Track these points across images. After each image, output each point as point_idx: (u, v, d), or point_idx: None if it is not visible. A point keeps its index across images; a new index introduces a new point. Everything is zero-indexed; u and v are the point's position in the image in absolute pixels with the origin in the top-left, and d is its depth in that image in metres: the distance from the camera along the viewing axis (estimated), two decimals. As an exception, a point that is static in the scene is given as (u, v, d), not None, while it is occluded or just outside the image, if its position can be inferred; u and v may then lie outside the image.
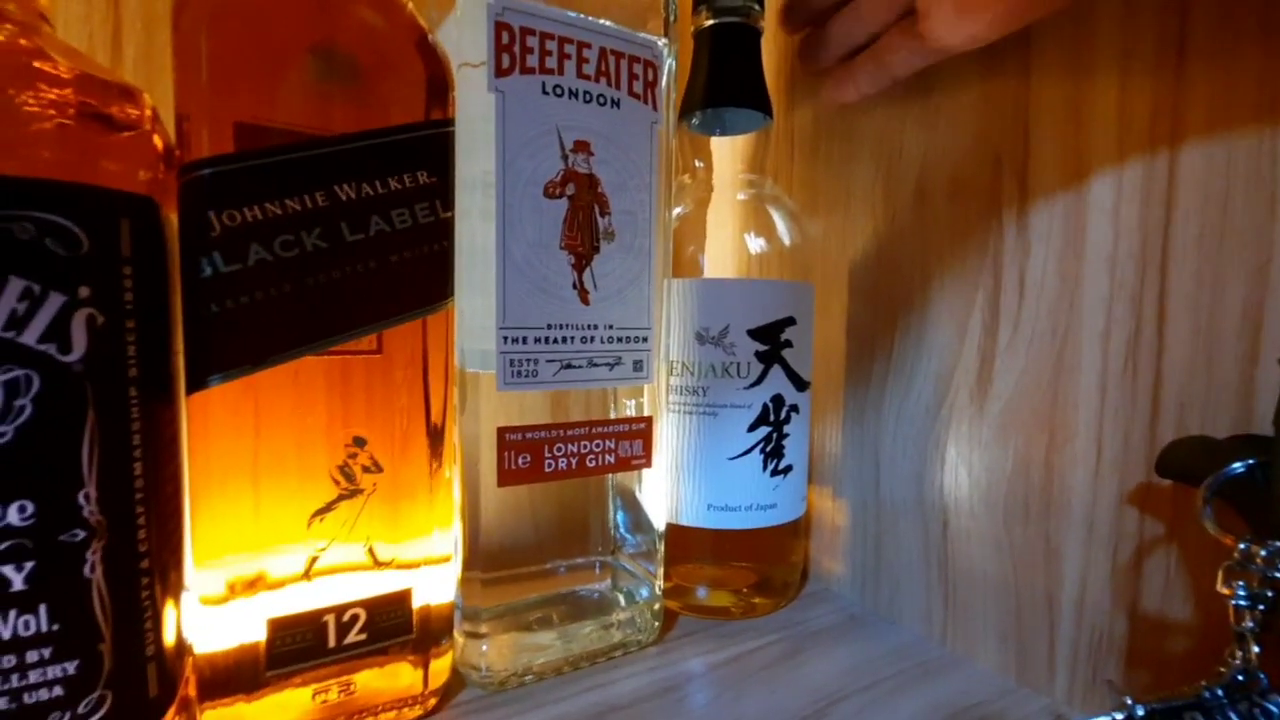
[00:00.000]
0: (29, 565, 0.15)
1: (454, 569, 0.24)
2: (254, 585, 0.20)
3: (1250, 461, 0.17)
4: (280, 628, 0.20)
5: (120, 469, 0.16)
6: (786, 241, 0.31)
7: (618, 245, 0.25)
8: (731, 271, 0.31)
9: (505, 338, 0.23)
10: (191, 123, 0.19)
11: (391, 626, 0.22)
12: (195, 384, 0.19)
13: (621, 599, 0.28)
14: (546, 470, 0.25)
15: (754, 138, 0.32)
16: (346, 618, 0.21)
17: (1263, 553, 0.16)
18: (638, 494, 0.28)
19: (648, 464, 0.27)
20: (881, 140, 0.31)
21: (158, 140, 0.18)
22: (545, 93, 0.23)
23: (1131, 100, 0.22)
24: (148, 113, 0.18)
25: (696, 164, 0.32)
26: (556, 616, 0.27)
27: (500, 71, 0.22)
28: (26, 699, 0.15)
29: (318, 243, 0.20)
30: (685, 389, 0.30)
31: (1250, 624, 0.16)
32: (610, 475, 0.28)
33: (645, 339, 0.26)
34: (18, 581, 0.15)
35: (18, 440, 0.15)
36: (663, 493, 0.29)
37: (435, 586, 0.23)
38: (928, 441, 0.29)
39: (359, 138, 0.20)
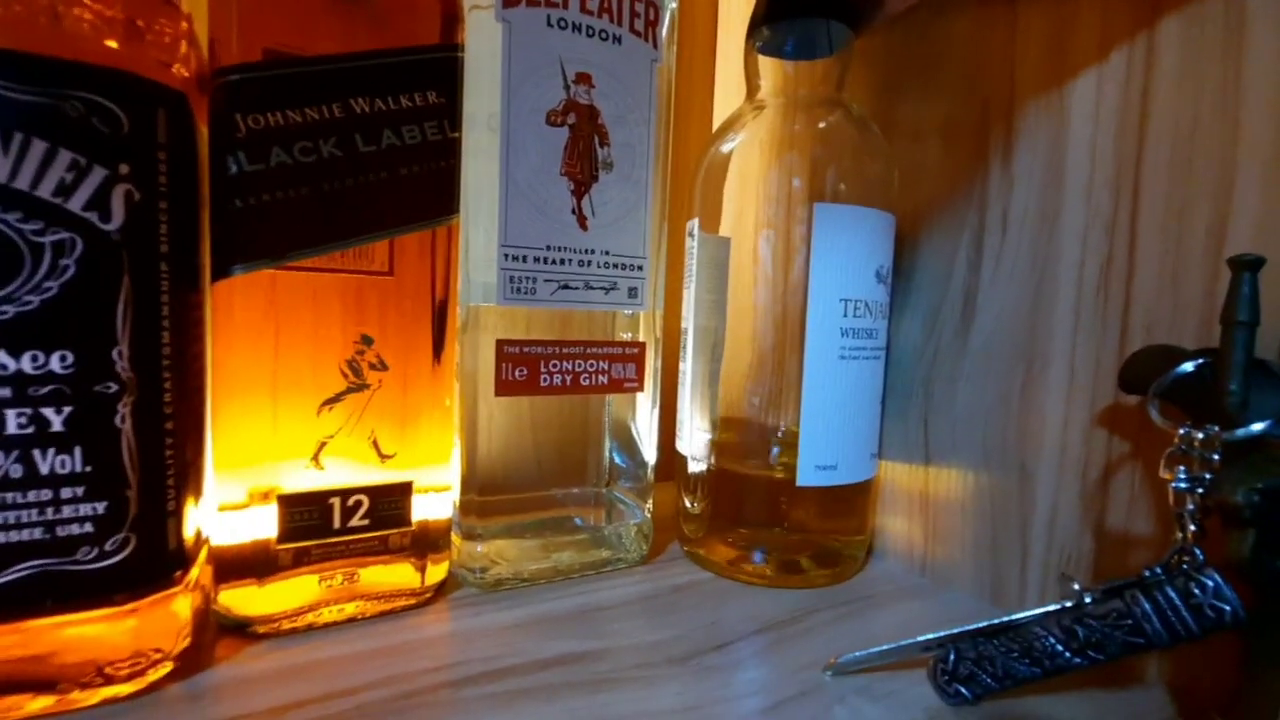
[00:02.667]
0: (67, 410, 0.17)
1: (454, 479, 0.26)
2: (268, 496, 0.22)
3: (1200, 360, 0.18)
4: (290, 503, 0.22)
5: (150, 334, 0.18)
6: (882, 176, 0.28)
7: (616, 175, 0.27)
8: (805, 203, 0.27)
9: (506, 255, 0.25)
10: (222, 45, 0.20)
11: (392, 516, 0.24)
12: (220, 272, 0.21)
13: (612, 523, 0.30)
14: (542, 385, 0.26)
15: (832, 57, 0.28)
16: (351, 502, 0.23)
17: (1199, 435, 0.17)
18: (632, 429, 0.30)
19: (640, 387, 0.29)
20: (886, 86, 0.32)
21: (191, 48, 0.20)
22: (550, 25, 0.25)
23: (1111, 36, 0.23)
24: (184, 25, 0.20)
25: (760, 85, 0.29)
26: (550, 531, 0.28)
27: (508, 3, 0.24)
28: (59, 532, 0.17)
29: (334, 151, 0.22)
30: (863, 331, 0.27)
31: (1190, 506, 0.17)
32: (606, 410, 0.30)
33: (641, 267, 0.28)
34: (57, 423, 0.17)
35: (61, 296, 0.17)
36: (830, 447, 0.27)
37: (435, 492, 0.25)
38: (914, 379, 0.30)
39: (374, 55, 0.22)
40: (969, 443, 0.28)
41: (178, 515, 0.19)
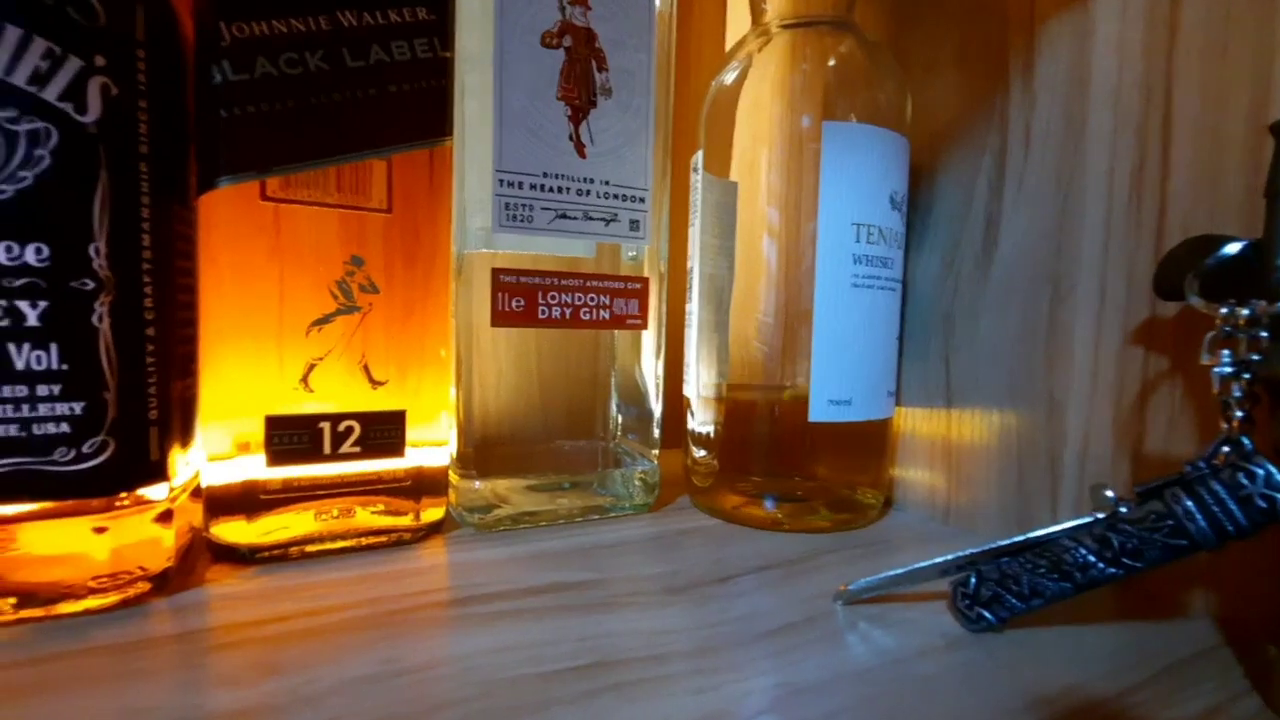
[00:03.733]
0: (43, 304, 0.17)
1: (450, 421, 0.25)
2: (248, 447, 0.21)
3: (1246, 241, 0.16)
4: (277, 425, 0.21)
5: (129, 233, 0.18)
6: (895, 100, 0.27)
7: (615, 102, 0.26)
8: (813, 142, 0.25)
9: (501, 180, 0.24)
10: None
11: (385, 444, 0.23)
12: (205, 185, 0.20)
13: (618, 468, 0.29)
14: (540, 316, 0.25)
15: None
16: (341, 428, 0.22)
17: (1245, 312, 0.15)
18: (638, 375, 0.29)
19: (644, 325, 0.28)
20: (895, 15, 0.31)
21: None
22: (544, -57, 0.24)
23: (1137, -73, 0.22)
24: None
25: (765, 6, 0.28)
26: (553, 475, 0.27)
27: (500, -82, 0.23)
28: (35, 430, 0.17)
29: (320, 64, 0.21)
30: (877, 259, 0.25)
31: (1237, 392, 0.15)
32: (614, 356, 0.29)
33: (643, 199, 0.27)
34: (32, 318, 0.16)
35: (36, 187, 0.16)
36: (844, 381, 0.25)
37: (428, 429, 0.24)
38: (934, 316, 0.28)
39: (361, -33, 0.21)
40: (993, 379, 0.26)
41: (162, 427, 0.19)
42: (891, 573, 0.19)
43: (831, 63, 0.27)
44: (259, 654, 0.16)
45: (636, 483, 0.29)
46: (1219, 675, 0.17)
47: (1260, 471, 0.14)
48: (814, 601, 0.20)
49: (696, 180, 0.29)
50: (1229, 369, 0.15)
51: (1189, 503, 0.15)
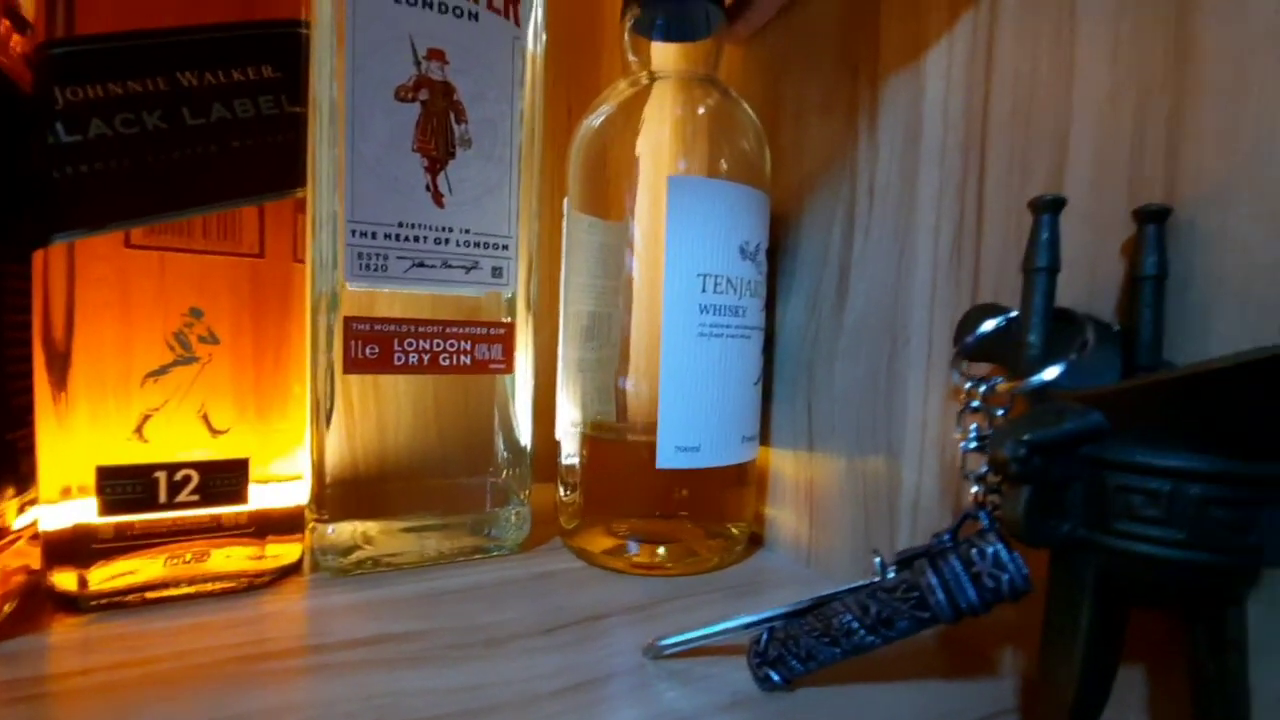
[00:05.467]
0: None
1: (307, 461, 0.25)
2: (81, 494, 0.21)
3: (1006, 316, 0.17)
4: (109, 475, 0.22)
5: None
6: (753, 153, 0.28)
7: (476, 153, 0.26)
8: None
9: (354, 231, 0.25)
10: (51, 21, 0.21)
11: (224, 492, 0.23)
12: (41, 241, 0.21)
13: (487, 511, 0.29)
14: (396, 363, 0.26)
15: (706, 40, 0.28)
16: (179, 477, 0.23)
17: (982, 389, 0.15)
18: (511, 414, 0.29)
19: (508, 369, 0.28)
20: (769, 66, 0.31)
21: (5, 22, 0.20)
22: (398, 1, 0.25)
23: (959, -9, 0.22)
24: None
25: (632, 60, 0.28)
26: (416, 518, 0.28)
27: (350, -22, 0.24)
28: None
29: (159, 123, 0.22)
30: (726, 309, 0.26)
31: (983, 467, 0.16)
32: (480, 396, 0.29)
33: (506, 246, 0.27)
34: None
35: None
36: (691, 428, 0.26)
37: (280, 479, 0.24)
38: (799, 361, 0.29)
39: (202, 30, 0.22)
40: (845, 424, 0.26)
41: (-22, 479, 0.19)
42: (699, 632, 0.20)
43: (690, 116, 0.27)
44: (73, 705, 0.17)
45: (510, 523, 0.29)
46: (989, 741, 0.17)
47: (990, 550, 0.15)
48: (626, 655, 0.20)
49: (565, 224, 0.29)
50: (974, 444, 0.16)
51: (931, 576, 0.15)
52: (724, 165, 0.27)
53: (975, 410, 0.16)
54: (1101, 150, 0.18)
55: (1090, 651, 0.14)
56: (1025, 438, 0.13)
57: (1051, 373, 0.15)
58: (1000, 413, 0.15)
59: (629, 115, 0.28)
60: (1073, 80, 0.19)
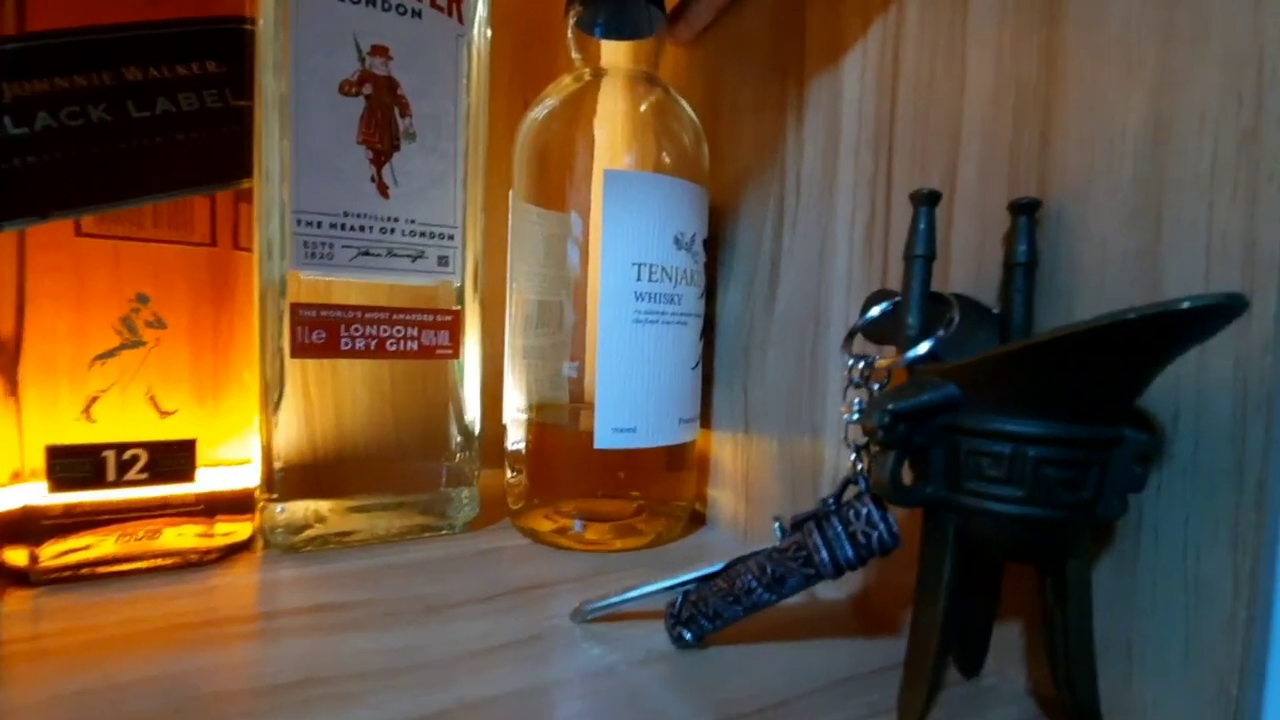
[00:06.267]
0: None
1: (256, 442, 0.26)
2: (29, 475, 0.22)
3: (893, 300, 0.18)
4: (58, 454, 0.22)
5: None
6: (691, 149, 0.29)
7: (420, 146, 0.27)
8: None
9: (300, 220, 0.26)
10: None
11: (172, 471, 0.24)
12: (-15, 230, 0.22)
13: (435, 491, 0.30)
14: (343, 348, 0.27)
15: (647, 39, 0.29)
16: (127, 456, 0.23)
17: (860, 366, 0.17)
18: (463, 398, 0.30)
19: (454, 355, 0.29)
20: (708, 66, 0.33)
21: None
22: (341, -1, 0.26)
23: (872, 1, 0.24)
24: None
25: (576, 56, 0.30)
26: (378, 495, 0.29)
27: (294, -24, 0.25)
28: None
29: (103, 116, 0.22)
30: (661, 296, 0.27)
31: (864, 439, 0.17)
32: (449, 385, 0.30)
33: (452, 236, 0.28)
34: None
35: None
36: (627, 410, 0.27)
37: (230, 463, 0.25)
38: (736, 348, 0.30)
39: (146, 26, 0.23)
40: (775, 408, 0.28)
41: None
42: (621, 596, 0.21)
43: (632, 111, 0.28)
44: (17, 667, 0.18)
45: (459, 502, 0.30)
46: (877, 692, 0.18)
47: (864, 510, 0.16)
48: (554, 620, 0.22)
49: (511, 212, 0.31)
50: (856, 416, 0.17)
51: (817, 536, 0.17)
52: (664, 159, 0.28)
53: (858, 386, 0.17)
54: (986, 148, 0.20)
55: (952, 602, 0.16)
56: (889, 408, 0.15)
57: (922, 348, 0.16)
58: (877, 388, 0.17)
59: (573, 109, 0.29)
60: (964, 84, 0.20)
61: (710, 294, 0.32)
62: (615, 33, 0.29)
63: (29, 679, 0.18)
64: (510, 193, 0.31)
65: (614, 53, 0.29)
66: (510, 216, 0.31)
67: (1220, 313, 0.12)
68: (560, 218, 0.29)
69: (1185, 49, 0.16)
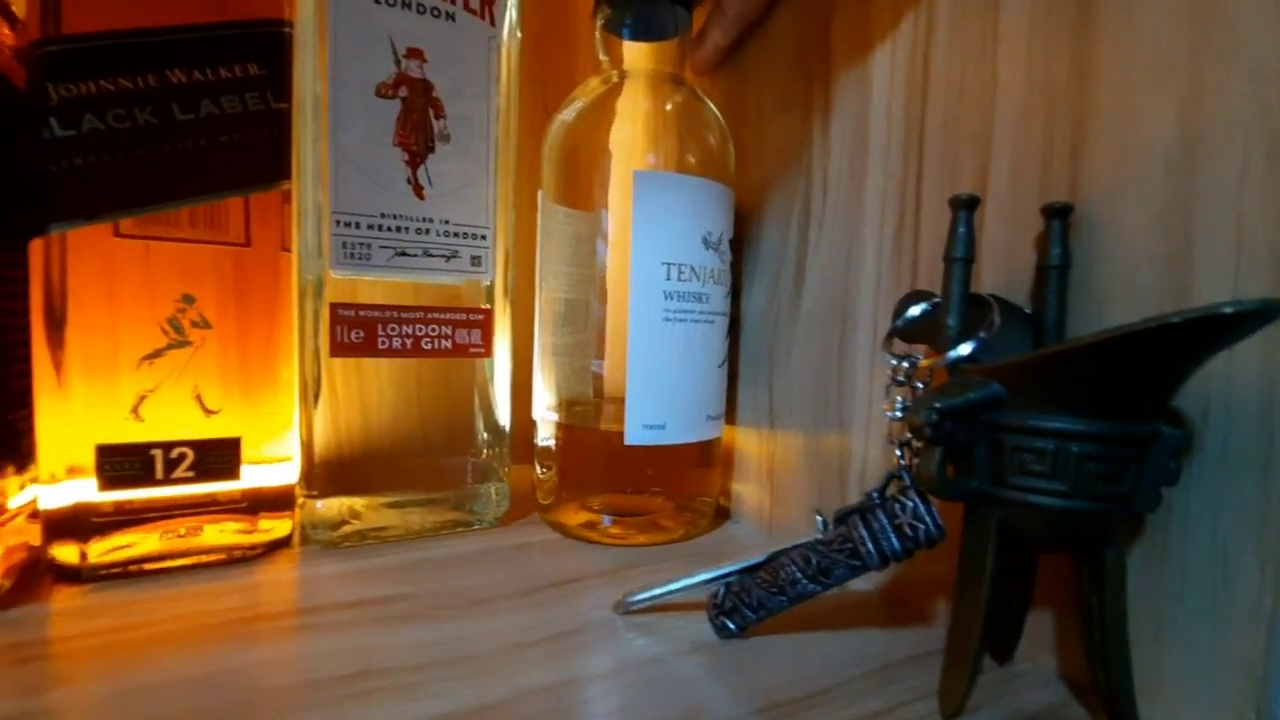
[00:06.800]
0: None
1: (296, 439, 0.27)
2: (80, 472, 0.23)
3: (932, 301, 0.19)
4: (108, 453, 0.23)
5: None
6: (717, 149, 0.29)
7: (454, 147, 0.28)
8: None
9: (338, 221, 0.26)
10: (43, 20, 0.22)
11: (219, 469, 0.25)
12: (37, 230, 0.22)
13: (467, 487, 0.30)
14: (380, 347, 0.27)
15: (674, 40, 0.30)
16: (174, 454, 0.24)
17: (905, 365, 0.17)
18: (491, 396, 0.31)
19: (486, 353, 0.30)
20: (735, 63, 0.33)
21: (6, 27, 0.21)
22: (378, 1, 0.26)
23: (902, 3, 0.24)
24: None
25: (603, 58, 0.30)
26: (411, 491, 0.29)
27: (332, -20, 0.25)
28: None
29: (149, 118, 0.23)
30: (690, 295, 0.28)
31: (908, 434, 0.18)
32: (475, 383, 0.30)
33: (484, 236, 0.29)
34: None
35: None
36: (657, 407, 0.27)
37: (271, 462, 0.26)
38: (761, 345, 0.31)
39: (190, 29, 0.23)
40: (801, 404, 0.28)
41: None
42: (663, 588, 0.22)
43: (658, 112, 0.29)
44: (78, 663, 0.18)
45: (489, 498, 0.31)
46: (915, 679, 0.19)
47: (910, 504, 0.17)
48: (596, 612, 0.22)
49: (540, 213, 0.31)
50: (899, 414, 0.18)
51: (863, 529, 0.17)
52: (690, 160, 0.29)
53: (901, 385, 0.18)
54: (1017, 153, 0.20)
55: (994, 591, 0.16)
56: (936, 405, 0.15)
57: (965, 349, 0.17)
58: (920, 386, 0.18)
59: (601, 110, 0.30)
60: (995, 91, 0.21)
61: (735, 293, 0.33)
62: (642, 34, 0.30)
63: (92, 674, 0.18)
64: (539, 193, 0.31)
65: (640, 54, 0.30)
66: (539, 216, 0.31)
67: (1258, 317, 0.12)
68: (588, 217, 0.29)
69: (1214, 61, 0.16)
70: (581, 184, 0.29)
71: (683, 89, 0.30)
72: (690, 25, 0.30)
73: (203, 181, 0.24)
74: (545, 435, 0.31)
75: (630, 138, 0.29)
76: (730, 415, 0.33)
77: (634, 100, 0.29)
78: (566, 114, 0.30)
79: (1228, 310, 0.12)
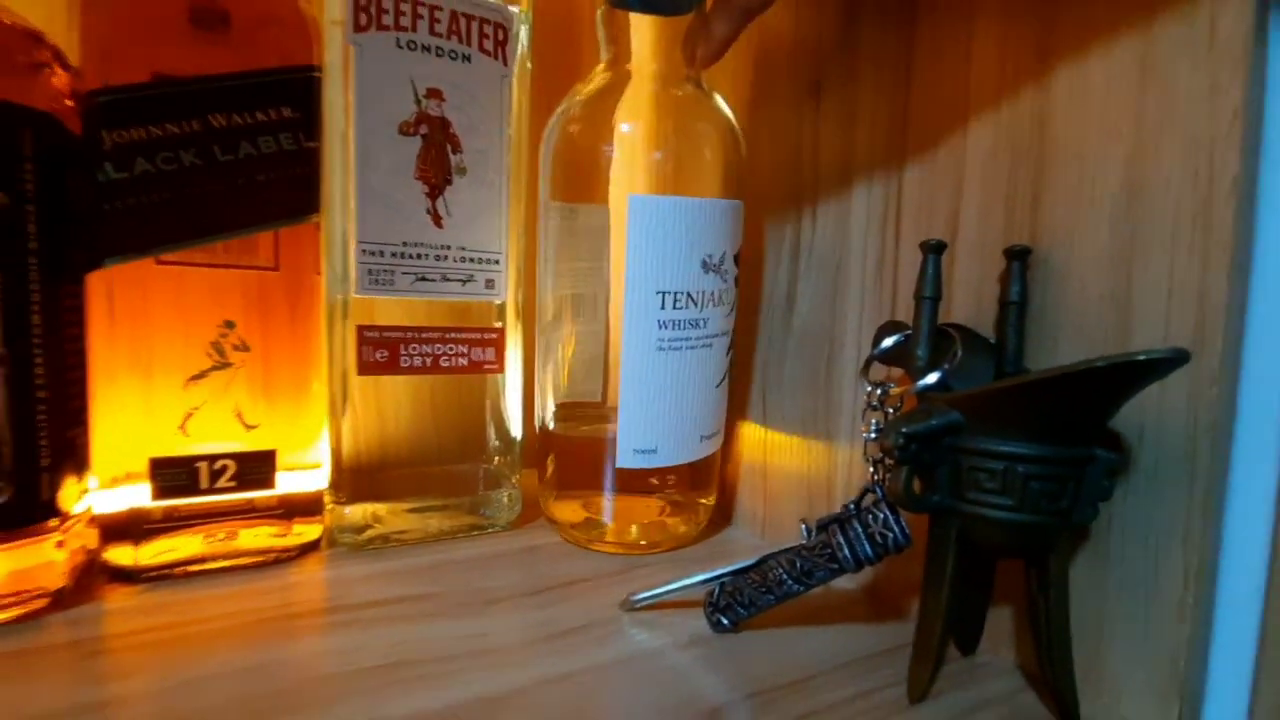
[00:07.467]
0: (-55, 377, 0.20)
1: (325, 450, 0.29)
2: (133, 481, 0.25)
3: (904, 333, 0.21)
4: (160, 465, 0.25)
5: (21, 315, 0.22)
6: (725, 154, 0.29)
7: (470, 179, 0.30)
8: (652, 182, 0.28)
9: (364, 250, 0.28)
10: (93, 71, 0.24)
11: (257, 479, 0.27)
12: (94, 264, 0.24)
13: (481, 493, 0.33)
14: (403, 365, 0.30)
15: (681, 28, 0.28)
16: (218, 466, 0.26)
17: (878, 392, 0.20)
18: (502, 407, 0.33)
19: (499, 369, 0.32)
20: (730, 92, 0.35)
21: (58, 72, 0.23)
22: (400, 46, 0.28)
23: (882, 54, 0.26)
24: (48, 53, 0.23)
25: (606, 53, 0.29)
26: (429, 497, 0.31)
27: (358, 27, 0.27)
28: (-59, 478, 0.21)
29: (194, 160, 0.25)
30: (686, 323, 0.27)
31: (881, 454, 0.20)
32: (486, 395, 0.33)
33: (497, 261, 0.31)
34: (-64, 389, 0.20)
35: (-63, 283, 0.20)
36: (648, 433, 0.29)
37: (301, 469, 0.28)
38: (757, 360, 0.33)
39: (229, 78, 0.25)
40: (793, 414, 0.31)
41: (53, 471, 0.23)
42: (665, 587, 0.24)
43: (661, 111, 0.29)
44: (138, 656, 0.21)
45: (502, 503, 0.33)
46: (889, 669, 0.21)
47: (881, 515, 0.19)
48: (604, 609, 0.25)
49: (541, 212, 0.31)
50: (874, 434, 0.20)
51: (840, 536, 0.20)
52: (692, 170, 0.28)
53: (875, 409, 0.20)
54: (985, 199, 0.22)
55: (954, 592, 0.19)
56: (903, 430, 0.18)
57: (931, 379, 0.19)
58: (892, 411, 0.20)
59: (604, 102, 0.29)
60: (965, 142, 0.23)
61: (740, 301, 0.35)
62: (653, 6, 0.27)
63: (151, 667, 0.20)
64: (540, 193, 0.31)
65: (644, 45, 0.29)
66: (541, 216, 0.31)
67: (1169, 363, 0.15)
68: (598, 209, 0.29)
69: (1154, 127, 0.18)
70: (585, 177, 0.29)
71: (687, 83, 0.29)
72: (703, 2, 0.28)
73: (242, 217, 0.26)
74: (547, 438, 0.33)
75: (633, 133, 0.29)
76: (729, 423, 0.35)
77: (637, 93, 0.29)
78: (568, 107, 0.30)
79: (1141, 357, 0.14)
